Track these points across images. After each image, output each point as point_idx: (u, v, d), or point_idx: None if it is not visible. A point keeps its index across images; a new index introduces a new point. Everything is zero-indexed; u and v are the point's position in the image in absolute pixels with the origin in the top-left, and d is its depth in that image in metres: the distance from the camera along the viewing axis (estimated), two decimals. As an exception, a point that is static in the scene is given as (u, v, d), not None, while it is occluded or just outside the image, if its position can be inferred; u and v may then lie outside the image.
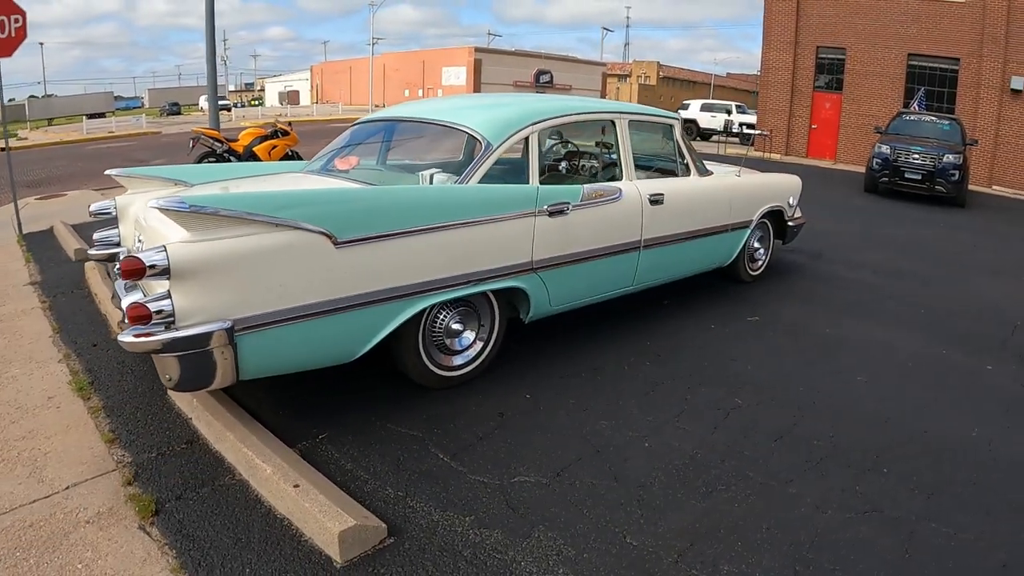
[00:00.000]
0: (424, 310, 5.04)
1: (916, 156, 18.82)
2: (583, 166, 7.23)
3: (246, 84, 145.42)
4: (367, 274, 4.58)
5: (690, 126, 40.49)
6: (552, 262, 5.78)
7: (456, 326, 5.41)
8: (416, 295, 4.88)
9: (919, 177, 18.69)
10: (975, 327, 7.99)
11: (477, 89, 72.17)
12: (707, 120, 39.88)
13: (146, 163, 23.28)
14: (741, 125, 34.12)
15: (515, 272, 5.52)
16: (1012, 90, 26.80)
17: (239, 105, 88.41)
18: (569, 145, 7.50)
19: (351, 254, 4.46)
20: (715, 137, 37.00)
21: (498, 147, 5.56)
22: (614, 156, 6.86)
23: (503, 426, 4.98)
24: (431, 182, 5.48)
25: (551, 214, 5.70)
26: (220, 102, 77.72)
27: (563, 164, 7.12)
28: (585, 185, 6.16)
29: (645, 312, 7.64)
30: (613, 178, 6.73)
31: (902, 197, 19.27)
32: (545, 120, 6.04)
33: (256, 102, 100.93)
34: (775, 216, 9.11)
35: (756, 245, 8.90)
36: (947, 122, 21.00)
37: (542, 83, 77.28)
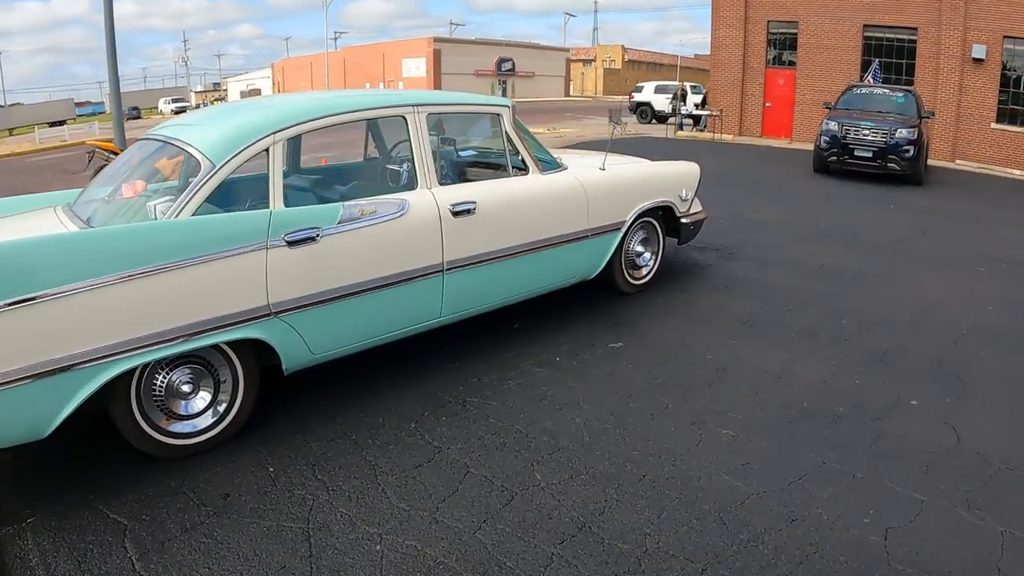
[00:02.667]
0: (129, 372, 4.00)
1: (866, 132, 17.36)
2: (358, 177, 6.00)
3: (214, 84, 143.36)
4: (27, 344, 3.63)
5: (645, 109, 39.14)
6: (300, 303, 4.56)
7: (185, 387, 4.30)
8: (103, 360, 3.84)
9: (870, 154, 17.26)
10: (907, 340, 6.52)
11: (438, 80, 70.97)
12: (662, 102, 38.22)
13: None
14: (695, 106, 32.49)
15: (246, 320, 4.34)
16: (974, 59, 25.50)
17: (202, 106, 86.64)
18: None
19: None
20: (672, 119, 35.40)
21: (221, 167, 4.42)
22: (404, 160, 5.58)
23: (220, 513, 3.83)
24: (156, 216, 4.36)
25: (291, 244, 4.48)
26: (179, 103, 76.29)
27: (325, 178, 5.78)
28: (345, 203, 4.88)
29: (481, 341, 6.17)
30: (406, 187, 5.39)
31: (853, 177, 17.82)
32: (292, 126, 4.81)
33: (218, 102, 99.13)
34: (666, 213, 7.60)
35: (639, 249, 7.41)
36: (901, 94, 19.51)
37: (504, 71, 76.04)
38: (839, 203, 14.34)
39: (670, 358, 5.95)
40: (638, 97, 40.52)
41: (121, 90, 22.58)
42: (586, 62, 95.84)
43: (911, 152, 17.04)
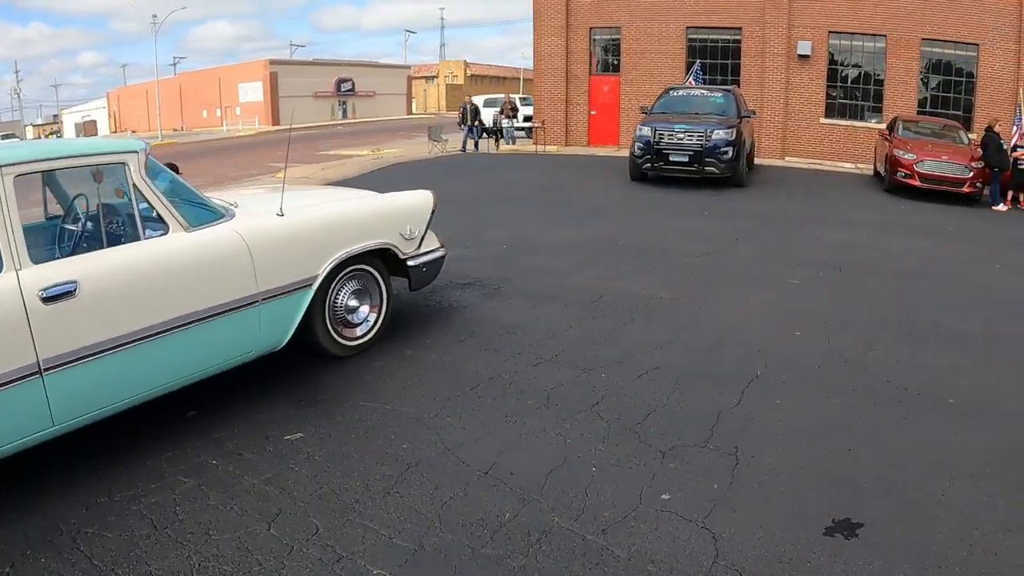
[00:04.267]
0: None
1: (681, 135, 16.41)
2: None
3: (53, 116, 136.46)
4: None
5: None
6: None
7: None
8: None
9: (686, 159, 16.32)
10: (679, 395, 5.25)
11: (275, 104, 68.60)
12: (492, 116, 36.78)
13: None
14: (516, 118, 31.15)
15: None
16: (800, 55, 25.35)
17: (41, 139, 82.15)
18: None
19: None
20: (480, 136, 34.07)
21: None
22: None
23: None
24: None
25: None
26: (9, 139, 72.48)
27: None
28: None
29: (138, 438, 4.62)
30: None
31: (671, 183, 16.88)
32: None
33: (54, 135, 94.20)
34: (388, 256, 6.16)
35: (352, 303, 5.91)
36: (720, 94, 18.75)
37: (344, 91, 74.17)
38: (649, 214, 13.24)
39: (351, 453, 4.43)
40: (467, 112, 39.12)
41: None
42: (429, 79, 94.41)
43: (730, 153, 16.26)
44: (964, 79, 25.41)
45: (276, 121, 67.00)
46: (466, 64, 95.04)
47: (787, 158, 25.10)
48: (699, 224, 12.16)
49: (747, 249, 10.21)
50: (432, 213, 6.47)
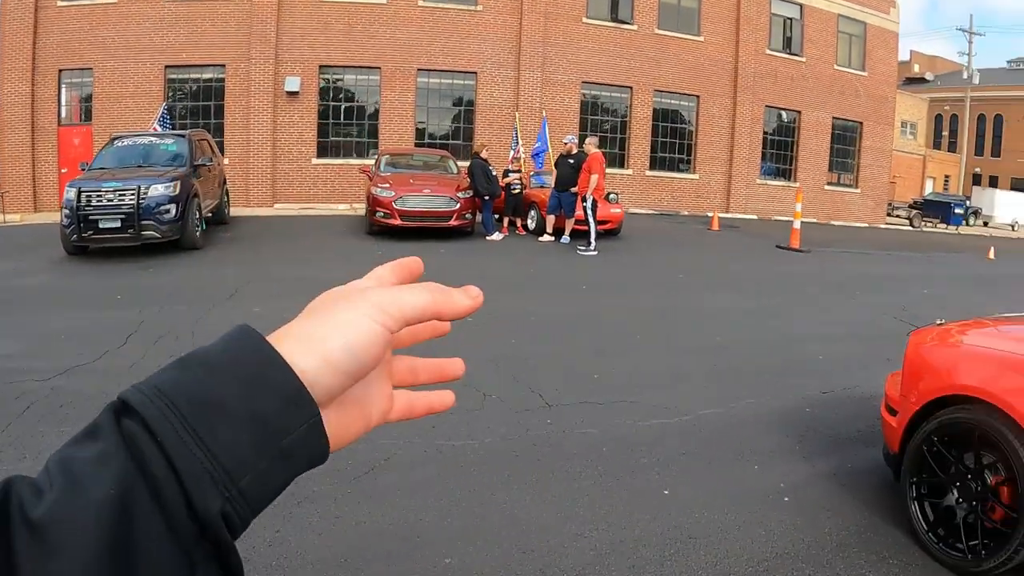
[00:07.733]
0: None
1: (111, 195, 13.87)
2: None
3: None
4: None
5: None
6: None
7: None
8: None
9: (119, 224, 13.84)
10: None
11: None
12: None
13: None
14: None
15: None
16: (288, 92, 24.49)
17: None
18: None
19: None
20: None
21: None
22: None
23: None
24: None
25: None
26: None
27: None
28: None
29: None
30: None
31: (109, 257, 14.22)
32: None
33: None
34: None
35: None
36: (172, 141, 16.84)
37: None
38: (28, 314, 10.45)
39: None
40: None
41: None
42: None
43: (172, 212, 14.33)
44: (463, 107, 25.90)
45: None
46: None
47: (277, 205, 24.09)
48: (87, 320, 9.71)
49: (88, 360, 7.89)
50: None
